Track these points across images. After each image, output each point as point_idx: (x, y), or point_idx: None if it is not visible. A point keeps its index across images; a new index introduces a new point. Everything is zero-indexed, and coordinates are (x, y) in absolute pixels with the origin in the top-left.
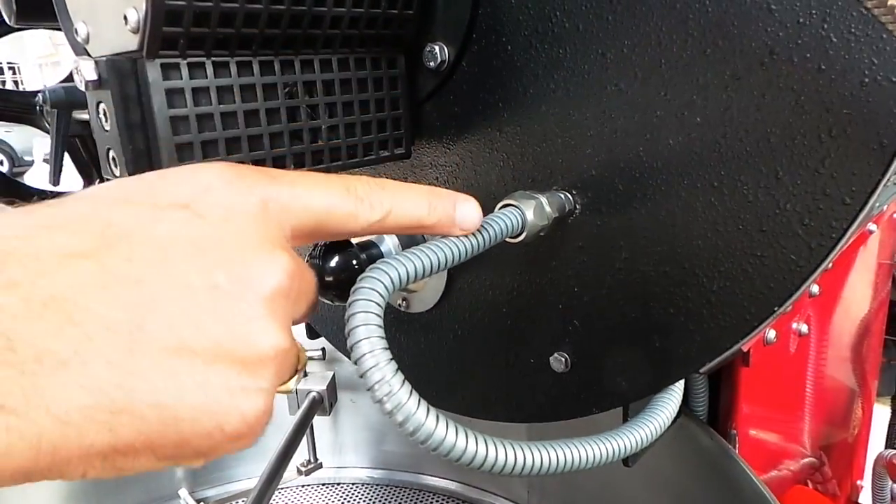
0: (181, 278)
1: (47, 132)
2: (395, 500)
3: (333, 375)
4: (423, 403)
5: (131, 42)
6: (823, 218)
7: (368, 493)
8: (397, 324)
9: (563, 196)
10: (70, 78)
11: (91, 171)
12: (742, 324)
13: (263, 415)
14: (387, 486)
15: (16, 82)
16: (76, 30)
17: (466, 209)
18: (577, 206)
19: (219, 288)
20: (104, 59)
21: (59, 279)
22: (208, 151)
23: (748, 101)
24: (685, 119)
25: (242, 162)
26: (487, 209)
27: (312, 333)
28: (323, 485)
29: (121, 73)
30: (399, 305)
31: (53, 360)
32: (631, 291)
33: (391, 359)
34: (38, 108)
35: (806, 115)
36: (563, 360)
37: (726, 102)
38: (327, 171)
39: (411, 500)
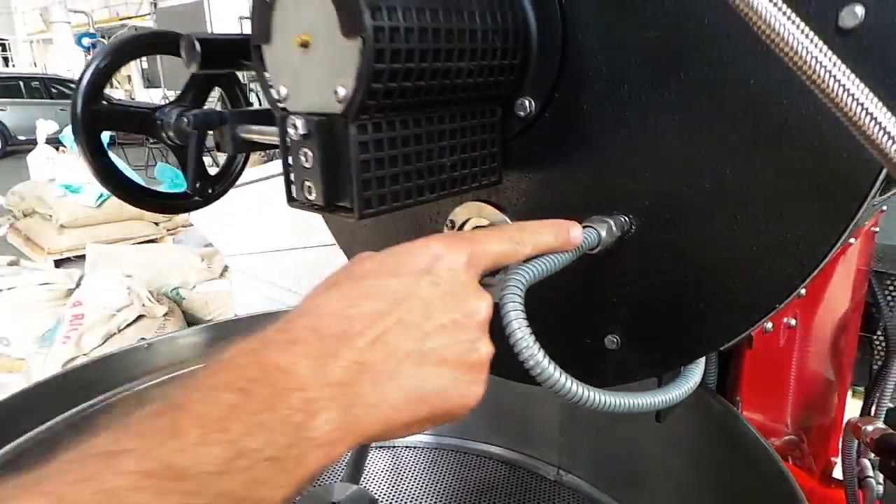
0: (438, 319)
1: (161, 142)
2: (442, 461)
3: None
4: (552, 362)
5: (335, 108)
6: (811, 245)
7: (417, 455)
8: None
9: (623, 219)
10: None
11: (196, 180)
12: (753, 314)
13: (481, 396)
14: (434, 448)
15: (6, 59)
16: (277, 90)
17: (576, 232)
18: (633, 227)
19: (458, 322)
20: (314, 119)
21: (378, 328)
22: (380, 185)
23: (764, 164)
24: (716, 170)
25: (397, 192)
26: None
27: None
28: (378, 447)
29: (325, 130)
30: None
31: (380, 375)
32: (669, 289)
33: (532, 332)
34: (157, 121)
35: (800, 177)
36: (616, 340)
37: (748, 162)
38: (450, 196)
39: (456, 461)
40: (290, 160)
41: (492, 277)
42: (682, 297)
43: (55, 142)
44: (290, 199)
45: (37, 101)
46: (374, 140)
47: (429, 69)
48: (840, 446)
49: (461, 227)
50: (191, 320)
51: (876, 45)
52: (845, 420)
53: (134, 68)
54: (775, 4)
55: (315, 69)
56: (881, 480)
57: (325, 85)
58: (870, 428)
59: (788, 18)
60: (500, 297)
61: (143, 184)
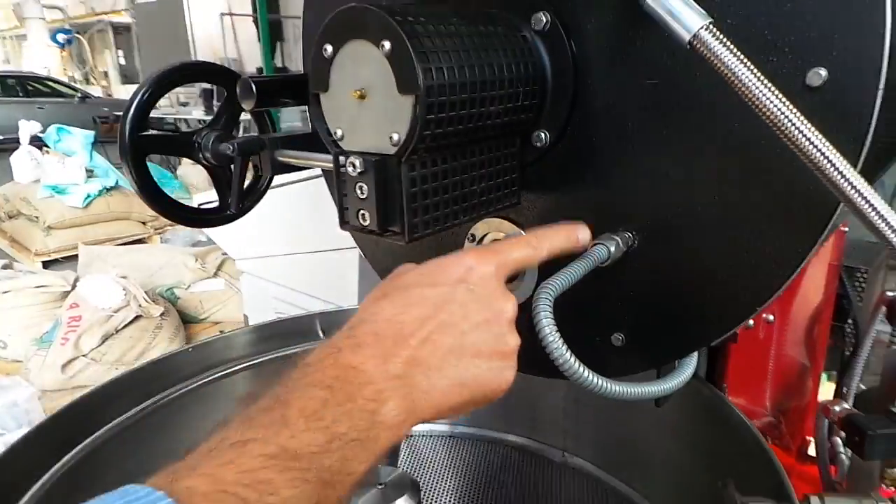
0: (474, 319)
1: (197, 163)
2: (456, 448)
3: None
4: (577, 360)
5: (389, 149)
6: (787, 257)
7: (434, 443)
8: None
9: (628, 235)
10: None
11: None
12: (739, 315)
13: (513, 379)
14: (449, 437)
15: None
16: (334, 132)
17: (584, 234)
18: (636, 242)
19: (489, 321)
20: (371, 158)
21: (425, 330)
22: (424, 212)
23: (746, 189)
24: (706, 194)
25: (438, 217)
26: None
27: None
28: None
29: (380, 168)
30: None
31: (430, 368)
32: (668, 294)
33: (558, 333)
34: (195, 144)
35: (776, 202)
36: (621, 338)
37: (732, 188)
38: (478, 218)
39: (470, 448)
40: (346, 190)
41: (517, 281)
42: (679, 301)
43: (36, 140)
44: (343, 223)
45: (13, 100)
46: (420, 175)
47: (467, 115)
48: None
49: (481, 241)
50: (185, 320)
51: (837, 99)
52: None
53: (111, 65)
54: (749, 69)
55: (371, 116)
56: (850, 456)
57: (380, 130)
58: (837, 408)
59: (759, 80)
60: (533, 310)
61: (183, 203)
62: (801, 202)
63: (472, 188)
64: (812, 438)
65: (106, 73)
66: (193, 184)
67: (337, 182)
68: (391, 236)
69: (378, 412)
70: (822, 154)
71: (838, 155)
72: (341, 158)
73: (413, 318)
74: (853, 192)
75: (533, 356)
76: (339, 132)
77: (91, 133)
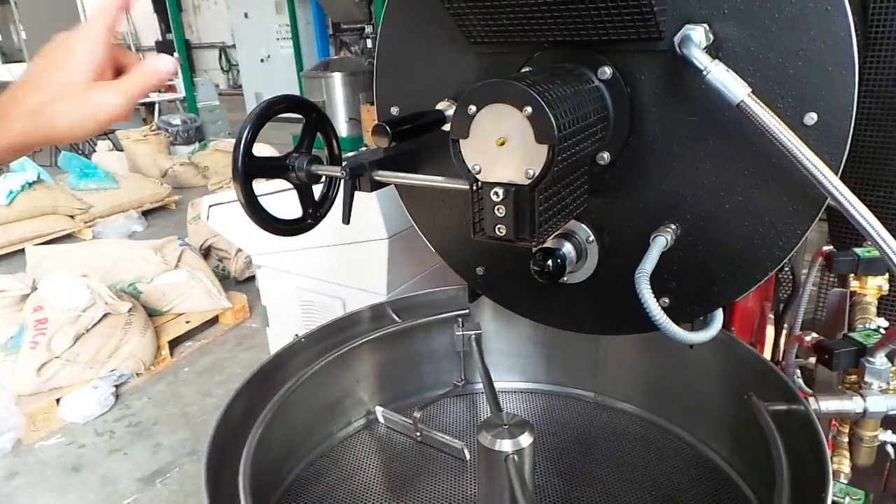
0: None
1: (288, 181)
2: (507, 399)
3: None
4: (661, 311)
5: (524, 181)
6: (789, 237)
7: (516, 398)
8: (568, 288)
9: (673, 226)
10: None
11: (308, 205)
12: (753, 280)
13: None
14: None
15: None
16: (472, 167)
17: (165, 65)
18: (679, 231)
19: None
20: (511, 188)
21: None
22: (542, 223)
23: (761, 191)
24: (732, 195)
25: (548, 223)
26: (633, 234)
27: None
28: (460, 395)
29: (518, 195)
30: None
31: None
32: (702, 267)
33: (656, 301)
34: (289, 167)
35: (782, 197)
36: (667, 301)
37: (752, 190)
38: (567, 220)
39: (516, 399)
40: (483, 210)
41: (581, 262)
42: (709, 272)
43: None
44: (476, 233)
45: None
46: (543, 198)
47: (575, 152)
48: (783, 352)
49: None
50: (149, 313)
51: (824, 133)
52: (783, 334)
53: None
54: (766, 111)
55: (508, 157)
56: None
57: (516, 167)
58: (808, 338)
59: (779, 125)
60: (638, 288)
61: (274, 216)
62: (798, 198)
63: (566, 201)
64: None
65: None
66: (114, 171)
67: (472, 203)
68: (521, 242)
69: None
70: (814, 167)
71: (825, 167)
72: (484, 187)
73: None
74: (833, 189)
75: (632, 318)
76: (478, 167)
77: None
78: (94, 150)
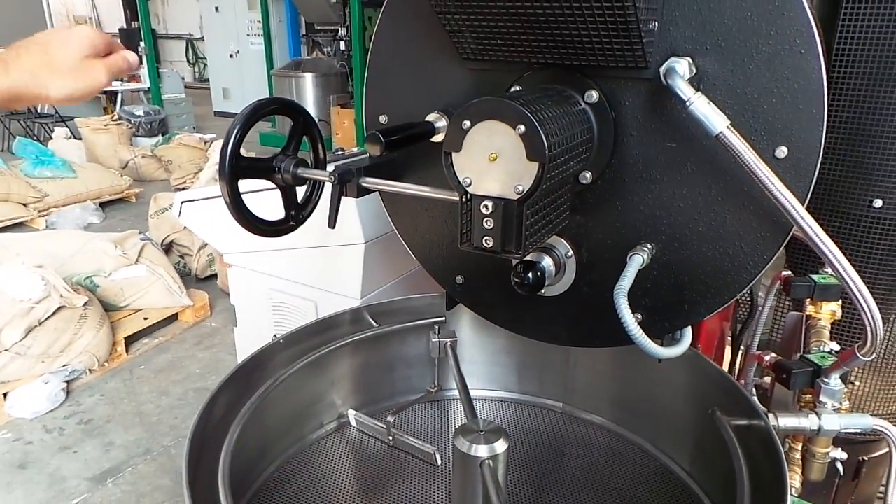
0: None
1: (276, 184)
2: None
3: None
4: (638, 328)
5: (513, 196)
6: (757, 261)
7: (492, 406)
8: (545, 300)
9: (650, 245)
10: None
11: (292, 207)
12: (722, 300)
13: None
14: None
15: None
16: (463, 180)
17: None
18: (654, 250)
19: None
20: (500, 202)
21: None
22: (528, 237)
23: (733, 215)
24: (705, 218)
25: (532, 237)
26: (610, 251)
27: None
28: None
29: (506, 209)
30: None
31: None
32: (674, 285)
33: (633, 317)
34: (276, 168)
35: (751, 223)
36: (640, 316)
37: (725, 215)
38: (549, 236)
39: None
40: (471, 221)
41: (559, 275)
42: (680, 291)
43: None
44: (463, 244)
45: None
46: (530, 213)
47: (563, 170)
48: (739, 370)
49: None
50: (105, 308)
51: (793, 166)
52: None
53: None
54: (743, 143)
55: (498, 173)
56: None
57: (506, 182)
58: (767, 357)
59: (755, 158)
60: (616, 304)
61: (259, 217)
62: (767, 225)
63: (551, 216)
64: None
65: None
66: (72, 160)
67: (462, 214)
68: (506, 254)
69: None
70: (784, 198)
71: (792, 197)
72: (473, 199)
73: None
74: (800, 219)
75: (605, 331)
76: (469, 180)
77: None
78: (51, 137)
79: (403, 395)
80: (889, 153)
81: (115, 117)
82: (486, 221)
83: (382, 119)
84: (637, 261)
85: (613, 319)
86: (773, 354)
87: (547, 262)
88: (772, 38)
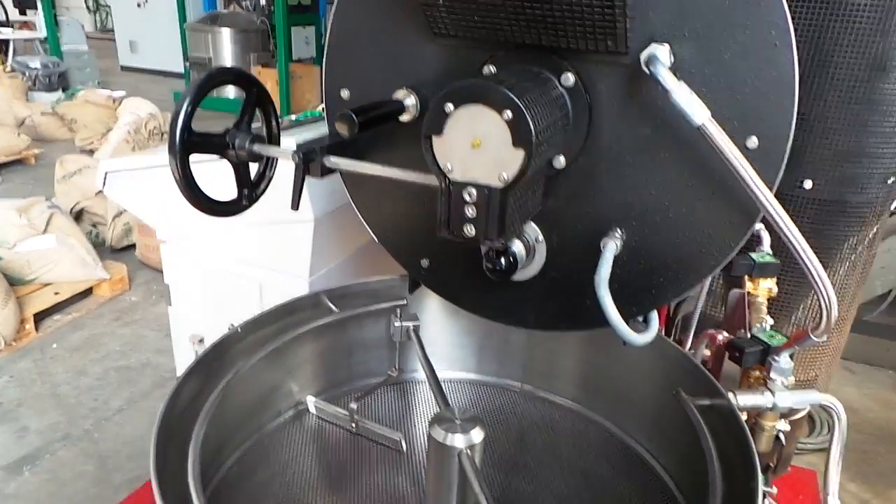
0: None
1: (227, 160)
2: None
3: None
4: (619, 316)
5: (497, 184)
6: (724, 247)
7: (423, 388)
8: (513, 284)
9: (620, 231)
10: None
11: (245, 185)
12: (690, 284)
13: None
14: (423, 381)
15: None
16: (444, 166)
17: None
18: (625, 236)
19: None
20: (484, 190)
21: None
22: (510, 224)
23: (703, 200)
24: (676, 204)
25: (513, 225)
26: (580, 236)
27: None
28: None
29: (490, 197)
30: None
31: None
32: (643, 270)
33: (613, 303)
34: (230, 144)
35: (721, 209)
36: None
37: (695, 200)
38: (528, 219)
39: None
40: (453, 208)
41: (528, 259)
42: (650, 276)
43: None
44: (443, 231)
45: None
46: (512, 200)
47: (544, 156)
48: (688, 348)
49: None
50: (10, 282)
51: (763, 156)
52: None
53: None
54: (723, 134)
55: (483, 159)
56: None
57: (490, 169)
58: (720, 337)
59: (731, 149)
60: (598, 292)
61: (210, 196)
62: (736, 211)
63: (528, 203)
64: None
65: None
66: None
67: (444, 201)
68: (487, 242)
69: None
70: (756, 186)
71: (764, 187)
72: (455, 186)
73: None
74: (768, 205)
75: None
76: (450, 166)
77: None
78: None
79: (362, 379)
80: (818, 136)
81: (8, 69)
82: (469, 209)
83: (344, 94)
84: (612, 248)
85: (581, 303)
86: (725, 334)
87: (518, 247)
88: (748, 29)
